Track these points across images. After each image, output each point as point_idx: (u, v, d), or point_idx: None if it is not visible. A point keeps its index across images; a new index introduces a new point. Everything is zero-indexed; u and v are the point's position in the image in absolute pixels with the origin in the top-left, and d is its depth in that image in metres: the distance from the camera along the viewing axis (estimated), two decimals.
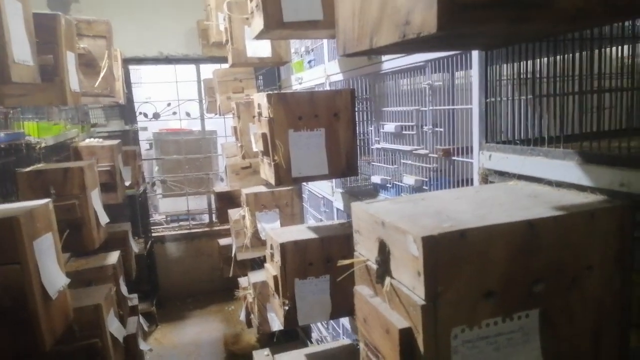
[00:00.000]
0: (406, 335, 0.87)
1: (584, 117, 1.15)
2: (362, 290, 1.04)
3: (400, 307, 0.90)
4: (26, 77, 1.67)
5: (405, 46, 0.99)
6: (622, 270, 0.96)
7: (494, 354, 0.89)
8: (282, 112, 2.08)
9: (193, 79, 5.60)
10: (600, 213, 0.92)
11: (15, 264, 1.52)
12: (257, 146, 2.24)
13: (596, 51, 1.12)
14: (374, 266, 0.99)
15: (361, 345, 1.11)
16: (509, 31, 0.93)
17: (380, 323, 0.94)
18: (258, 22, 2.08)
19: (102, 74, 2.80)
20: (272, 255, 2.28)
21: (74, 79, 2.50)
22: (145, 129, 5.57)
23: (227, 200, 4.87)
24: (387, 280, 0.93)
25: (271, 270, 2.27)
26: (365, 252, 1.05)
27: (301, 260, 2.19)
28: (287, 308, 2.17)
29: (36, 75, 1.78)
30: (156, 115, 5.53)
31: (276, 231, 2.36)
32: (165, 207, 6.19)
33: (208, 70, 5.50)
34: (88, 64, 2.80)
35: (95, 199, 2.60)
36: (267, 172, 2.23)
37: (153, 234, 5.38)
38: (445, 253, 0.83)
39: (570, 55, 1.19)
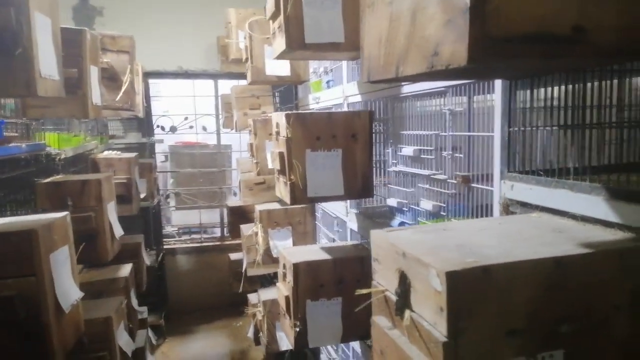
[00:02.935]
0: None
1: (605, 149, 1.13)
2: (380, 322, 1.02)
3: (420, 342, 0.88)
4: (51, 91, 1.69)
5: (432, 76, 0.98)
6: None
7: None
8: (300, 132, 2.08)
9: (211, 94, 5.67)
10: (629, 252, 0.90)
11: (31, 276, 1.52)
12: (273, 164, 2.24)
13: (615, 81, 1.10)
14: (393, 297, 0.97)
15: None
16: (539, 65, 0.92)
17: (399, 357, 0.92)
18: (280, 43, 2.10)
19: (123, 88, 2.84)
20: (284, 275, 2.26)
21: (96, 93, 2.54)
22: (161, 141, 5.62)
23: (240, 215, 4.88)
24: (407, 313, 0.91)
25: (283, 290, 2.25)
26: (384, 281, 1.03)
27: (313, 282, 2.17)
28: (297, 329, 2.15)
29: (61, 89, 1.81)
30: (173, 129, 5.59)
31: (289, 250, 2.35)
32: (177, 219, 6.22)
33: (225, 85, 5.57)
34: (110, 78, 2.84)
35: (111, 211, 2.62)
36: (282, 190, 2.22)
37: (164, 246, 5.39)
38: (468, 289, 0.81)
39: (591, 84, 1.18)
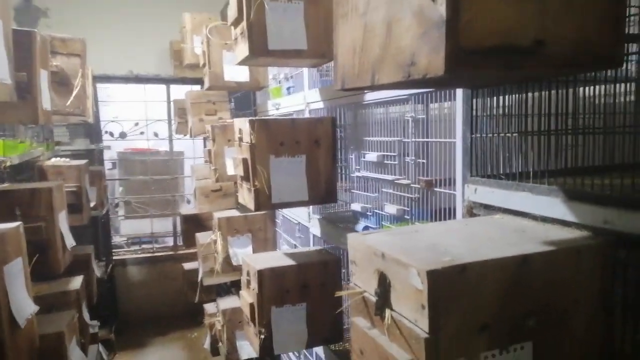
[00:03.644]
0: None
1: (561, 154, 1.22)
2: (359, 322, 1.04)
3: (401, 339, 0.91)
4: (2, 95, 1.61)
5: (407, 84, 1.03)
6: (605, 304, 1.01)
7: None
8: (264, 138, 2.09)
9: (163, 99, 5.54)
10: (586, 249, 0.97)
11: None
12: (236, 171, 2.23)
13: (570, 90, 1.19)
14: (372, 298, 1.00)
15: None
16: (503, 75, 0.98)
17: (379, 355, 0.95)
18: (243, 49, 2.10)
19: (74, 93, 2.74)
20: (248, 282, 2.25)
21: (46, 97, 2.43)
22: (108, 148, 5.43)
23: (194, 223, 4.78)
24: (388, 312, 0.94)
25: (247, 297, 2.24)
26: (361, 283, 1.06)
27: (278, 288, 2.17)
28: (263, 337, 2.14)
29: (13, 93, 1.73)
30: (123, 135, 5.41)
31: (253, 257, 2.33)
32: (126, 229, 6.01)
33: (178, 91, 5.46)
34: (60, 82, 2.73)
35: (63, 221, 2.51)
36: (246, 197, 2.21)
37: (114, 257, 5.19)
38: (447, 286, 0.86)
39: (547, 92, 1.27)
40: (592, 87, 1.22)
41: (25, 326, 1.64)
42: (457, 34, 0.80)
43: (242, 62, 2.22)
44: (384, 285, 0.96)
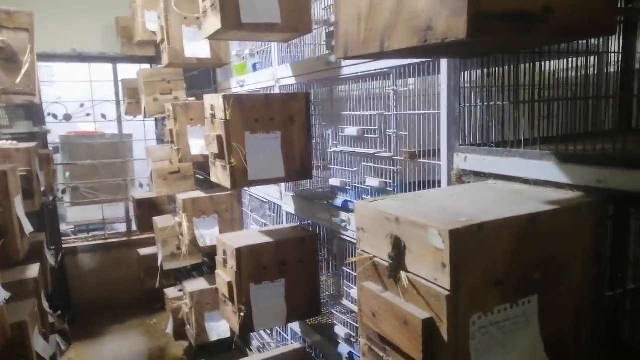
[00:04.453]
0: (428, 325, 0.91)
1: (550, 121, 1.29)
2: (370, 286, 1.06)
3: (419, 298, 0.94)
4: None
5: (420, 50, 1.04)
6: (599, 258, 1.09)
7: (502, 338, 0.96)
8: (238, 115, 2.05)
9: (109, 79, 5.26)
10: (584, 206, 1.04)
11: None
12: (209, 149, 2.18)
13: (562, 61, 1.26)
14: (384, 262, 1.02)
15: (362, 341, 1.13)
16: (509, 42, 1.02)
17: (396, 316, 0.97)
18: (214, 22, 2.03)
19: (23, 70, 2.55)
20: (225, 261, 2.22)
21: None
22: (49, 131, 5.11)
23: (149, 207, 4.63)
24: (403, 274, 0.97)
25: (224, 276, 2.21)
26: (370, 249, 1.08)
27: (256, 265, 2.16)
28: (242, 314, 2.12)
29: None
30: (67, 117, 5.11)
31: (228, 236, 2.30)
32: (73, 216, 5.71)
33: (126, 70, 5.20)
34: (8, 59, 2.53)
35: (19, 205, 2.35)
36: (220, 175, 2.17)
37: (64, 245, 4.94)
38: (466, 245, 0.89)
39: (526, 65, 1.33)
40: (583, 59, 1.28)
41: None
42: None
43: (213, 36, 2.15)
44: (398, 249, 0.99)
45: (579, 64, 1.31)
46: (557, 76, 1.33)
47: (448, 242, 0.87)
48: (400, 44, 0.96)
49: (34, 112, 4.49)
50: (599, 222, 1.06)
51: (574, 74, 1.36)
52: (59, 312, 3.31)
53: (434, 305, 0.91)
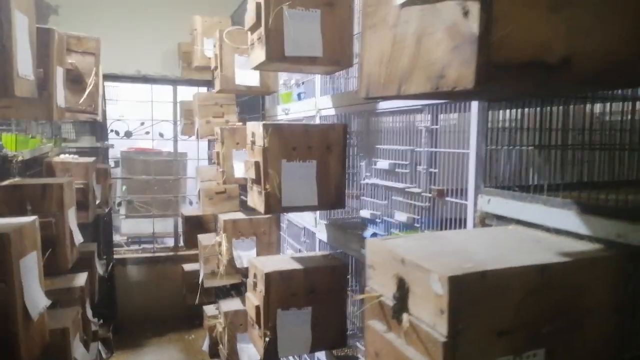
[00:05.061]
0: None
1: (575, 168, 1.25)
2: (375, 325, 1.07)
3: (418, 343, 0.94)
4: (26, 91, 1.64)
5: (432, 95, 1.06)
6: (617, 315, 1.04)
7: None
8: (276, 142, 2.12)
9: (169, 100, 5.57)
10: (600, 261, 1.00)
11: (1, 283, 1.46)
12: (247, 174, 2.26)
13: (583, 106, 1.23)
14: (389, 302, 1.03)
15: None
16: (528, 90, 1.02)
17: (396, 358, 0.97)
18: (259, 54, 2.14)
19: (87, 91, 2.77)
20: (255, 284, 2.27)
21: (60, 94, 2.46)
22: (112, 146, 5.46)
23: (196, 224, 4.80)
24: (405, 316, 0.97)
25: (253, 299, 2.26)
26: (378, 287, 1.09)
27: (285, 291, 2.19)
28: (267, 339, 2.15)
29: (34, 89, 1.76)
30: (128, 134, 5.44)
31: (260, 260, 2.36)
32: (127, 228, 6.01)
33: (184, 92, 5.50)
34: (74, 80, 2.76)
35: (72, 217, 2.53)
36: (256, 199, 2.24)
37: (115, 256, 5.20)
38: (467, 292, 0.88)
39: (560, 108, 1.31)
40: (608, 104, 1.25)
41: (37, 320, 1.65)
42: (488, 50, 0.83)
43: (258, 67, 2.26)
44: (402, 290, 0.99)
45: (612, 109, 1.27)
46: (587, 121, 1.30)
47: (447, 287, 0.86)
48: (415, 89, 0.98)
49: (97, 128, 4.82)
50: (617, 278, 1.02)
51: (607, 119, 1.32)
52: (101, 320, 3.45)
53: (432, 351, 0.90)
